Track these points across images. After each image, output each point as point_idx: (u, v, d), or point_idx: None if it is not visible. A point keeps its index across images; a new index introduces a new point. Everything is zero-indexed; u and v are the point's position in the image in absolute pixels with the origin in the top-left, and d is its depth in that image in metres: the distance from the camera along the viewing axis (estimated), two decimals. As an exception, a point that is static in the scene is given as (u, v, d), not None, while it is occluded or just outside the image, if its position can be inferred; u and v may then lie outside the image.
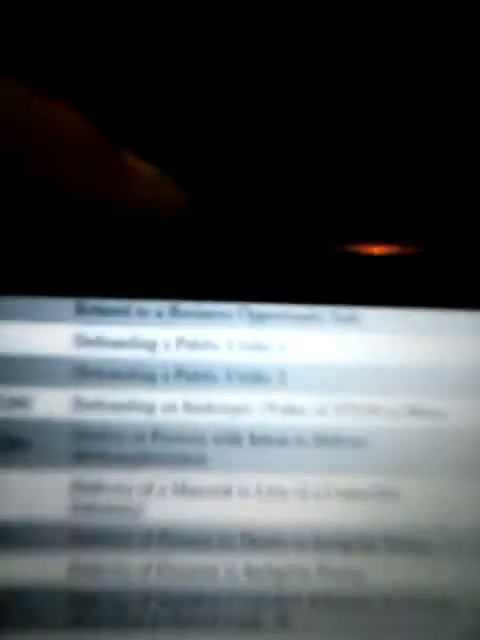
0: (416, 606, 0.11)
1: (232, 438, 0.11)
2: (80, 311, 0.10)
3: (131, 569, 0.11)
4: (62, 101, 0.10)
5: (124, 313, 0.10)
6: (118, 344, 0.10)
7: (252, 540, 0.11)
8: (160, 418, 0.11)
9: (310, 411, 0.11)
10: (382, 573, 0.11)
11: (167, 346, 0.11)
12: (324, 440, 0.11)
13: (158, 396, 0.11)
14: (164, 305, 0.10)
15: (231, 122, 0.13)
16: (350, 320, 0.11)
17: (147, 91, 0.13)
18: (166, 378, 0.11)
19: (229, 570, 0.11)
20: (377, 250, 0.11)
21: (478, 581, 0.11)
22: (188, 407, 0.11)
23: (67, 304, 0.10)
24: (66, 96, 0.10)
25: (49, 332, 0.10)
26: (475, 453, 0.11)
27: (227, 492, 0.11)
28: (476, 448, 0.11)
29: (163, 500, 0.11)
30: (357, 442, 0.11)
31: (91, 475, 0.11)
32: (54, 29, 0.13)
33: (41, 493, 0.11)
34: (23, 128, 0.09)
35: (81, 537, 0.11)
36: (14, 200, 0.09)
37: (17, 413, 0.11)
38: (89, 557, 0.11)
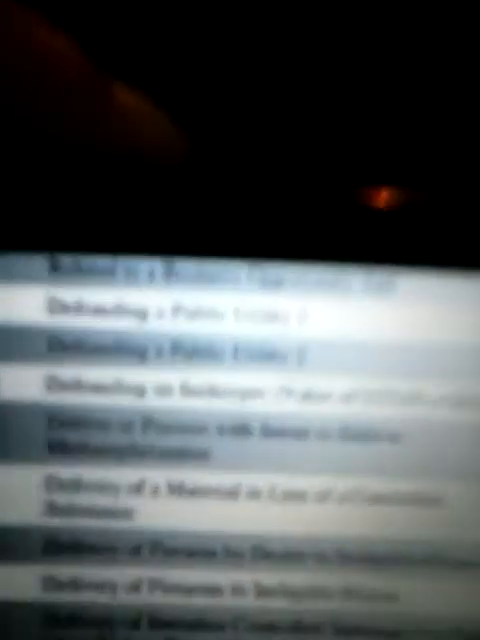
0: (455, 635, 0.09)
1: (240, 429, 0.09)
2: (55, 269, 0.09)
3: (116, 585, 0.09)
4: (45, 22, 0.08)
5: (109, 273, 0.09)
6: (101, 311, 0.09)
7: (264, 554, 0.09)
8: (152, 403, 0.09)
9: (335, 398, 0.09)
10: (421, 597, 0.09)
11: (161, 314, 0.09)
12: (352, 434, 0.09)
13: (150, 376, 0.09)
14: (157, 264, 0.09)
15: (237, 52, 0.11)
16: (385, 287, 0.09)
17: (143, 18, 0.11)
18: (159, 354, 0.09)
19: (236, 589, 0.09)
20: (418, 199, 0.09)
21: None
22: (186, 390, 0.09)
23: (39, 261, 0.09)
24: (51, 19, 0.09)
25: (17, 295, 0.09)
26: None
27: (233, 494, 0.09)
28: None
29: (156, 502, 0.09)
30: (392, 437, 0.09)
31: (68, 470, 0.09)
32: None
33: (9, 491, 0.09)
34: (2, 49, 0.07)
35: (57, 545, 0.09)
36: None
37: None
38: (67, 569, 0.09)
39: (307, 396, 0.09)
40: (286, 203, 0.08)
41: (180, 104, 0.09)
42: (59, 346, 0.09)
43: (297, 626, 0.09)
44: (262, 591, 0.09)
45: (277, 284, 0.09)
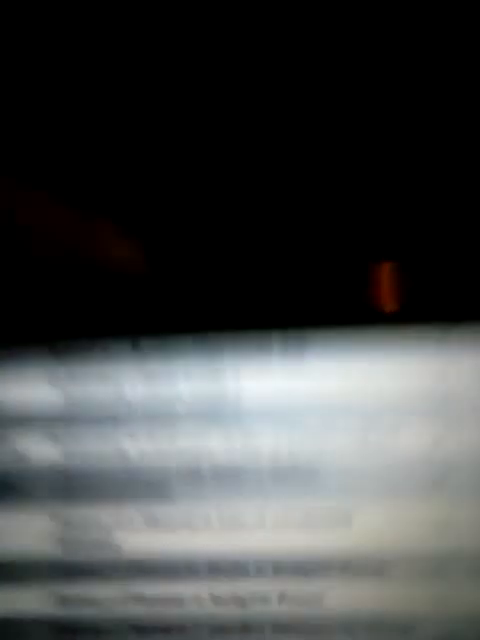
0: (375, 631, 0.12)
1: (195, 472, 0.12)
2: (55, 355, 0.12)
3: (107, 600, 0.12)
4: (45, 192, 0.12)
5: (91, 353, 0.12)
6: (90, 383, 0.12)
7: (216, 569, 0.12)
8: (129, 453, 0.12)
9: (266, 445, 0.12)
10: (342, 598, 0.12)
11: (132, 383, 0.12)
12: (280, 471, 0.12)
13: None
14: (125, 343, 0.12)
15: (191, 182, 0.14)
16: (298, 350, 0.12)
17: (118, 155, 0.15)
18: (132, 415, 0.12)
19: (196, 598, 0.12)
20: (321, 272, 0.12)
21: (436, 604, 0.12)
22: (154, 442, 0.12)
23: (41, 349, 0.12)
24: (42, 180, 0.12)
25: (23, 375, 0.12)
26: (425, 473, 0.12)
27: (192, 524, 0.12)
28: (427, 469, 0.12)
29: (135, 533, 0.12)
30: (309, 471, 0.12)
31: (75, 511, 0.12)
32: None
33: (29, 530, 0.12)
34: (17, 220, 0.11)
35: (67, 570, 0.12)
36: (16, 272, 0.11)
37: (12, 463, 0.12)
38: (74, 589, 0.12)
39: (245, 443, 0.12)
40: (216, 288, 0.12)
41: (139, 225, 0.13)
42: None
43: (244, 626, 0.12)
44: (216, 599, 0.12)
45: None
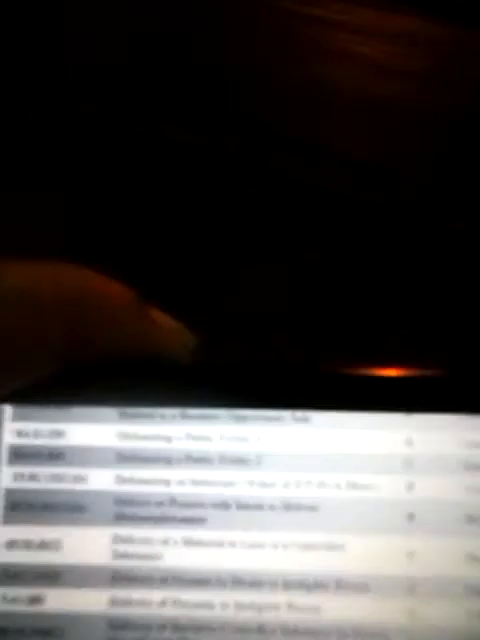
0: (360, 636, 0.15)
1: (224, 505, 0.16)
2: (122, 416, 0.16)
3: (152, 602, 0.15)
4: (106, 275, 0.16)
5: (150, 417, 0.16)
6: (148, 438, 0.16)
7: (239, 582, 0.15)
8: (174, 490, 0.16)
9: (279, 486, 0.16)
10: (340, 610, 0.15)
11: (179, 439, 0.16)
12: (289, 506, 0.16)
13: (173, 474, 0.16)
14: (176, 411, 0.16)
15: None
16: (304, 420, 0.16)
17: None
18: (178, 461, 0.16)
19: (223, 604, 0.15)
20: (323, 369, 0.16)
21: (408, 618, 0.15)
22: (194, 482, 0.16)
23: (112, 411, 0.16)
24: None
25: (97, 429, 0.16)
26: (397, 515, 0.15)
27: (221, 545, 0.15)
28: (399, 511, 0.15)
29: (176, 550, 0.16)
30: (311, 507, 0.16)
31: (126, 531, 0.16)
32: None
33: (90, 544, 0.16)
34: (83, 304, 0.15)
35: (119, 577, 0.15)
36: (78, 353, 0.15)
37: (77, 486, 0.16)
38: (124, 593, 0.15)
39: (262, 485, 0.16)
40: (247, 376, 0.16)
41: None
42: (124, 458, 0.16)
43: (260, 628, 0.15)
44: (238, 606, 0.15)
45: (243, 420, 0.16)
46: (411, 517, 0.15)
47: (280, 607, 0.15)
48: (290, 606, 0.15)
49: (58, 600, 0.16)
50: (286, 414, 0.16)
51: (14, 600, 0.16)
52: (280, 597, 0.15)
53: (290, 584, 0.15)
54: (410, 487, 0.15)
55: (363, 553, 0.15)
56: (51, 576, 0.16)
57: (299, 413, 0.16)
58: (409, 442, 0.16)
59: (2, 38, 0.35)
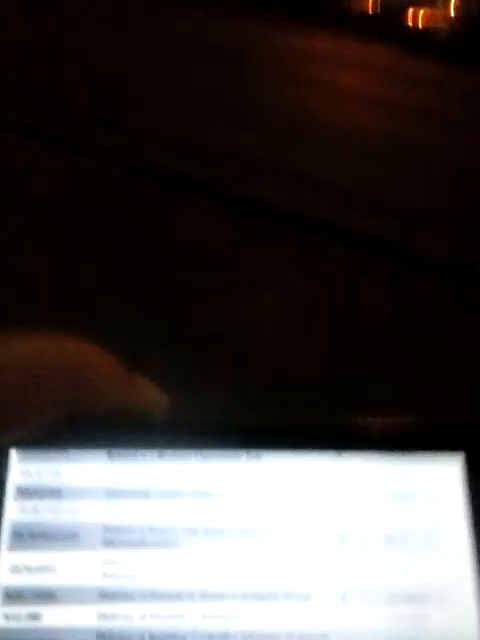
0: (305, 637, 0.19)
1: (192, 531, 0.19)
2: (110, 457, 0.19)
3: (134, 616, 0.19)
4: (97, 346, 0.20)
5: (133, 458, 0.19)
6: (130, 475, 0.19)
7: (205, 595, 0.19)
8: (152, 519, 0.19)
9: (237, 514, 0.19)
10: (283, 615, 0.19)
11: (156, 476, 0.19)
12: (245, 532, 0.19)
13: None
14: (154, 453, 0.19)
15: None
16: (257, 458, 0.19)
17: None
18: (155, 494, 0.19)
19: (192, 615, 0.19)
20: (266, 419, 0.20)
21: (343, 622, 0.19)
22: (168, 512, 0.19)
23: (101, 453, 0.19)
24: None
25: (89, 469, 0.19)
26: (332, 537, 0.19)
27: (190, 565, 0.19)
28: (332, 534, 0.19)
29: (153, 570, 0.19)
30: (264, 532, 0.19)
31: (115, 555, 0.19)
32: None
33: (82, 566, 0.19)
34: (82, 369, 0.19)
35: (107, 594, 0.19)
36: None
37: (72, 517, 0.19)
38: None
39: (223, 513, 0.19)
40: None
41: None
42: (113, 493, 0.19)
43: (225, 635, 0.19)
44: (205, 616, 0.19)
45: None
46: (343, 538, 0.19)
47: (240, 616, 0.19)
48: (248, 614, 0.19)
49: (54, 616, 0.19)
50: (242, 453, 0.19)
51: (16, 617, 0.19)
52: (240, 607, 0.19)
53: (247, 596, 0.19)
54: (341, 512, 0.19)
55: (305, 568, 0.19)
56: (48, 595, 0.19)
57: (252, 452, 0.20)
58: (339, 485, 0.19)
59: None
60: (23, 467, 0.20)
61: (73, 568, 0.19)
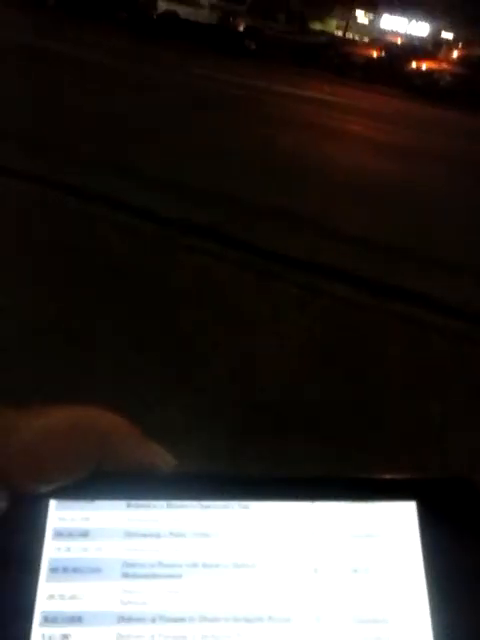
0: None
1: (194, 565, 0.23)
2: (128, 506, 0.24)
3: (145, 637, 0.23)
4: (113, 413, 0.25)
5: (146, 507, 0.24)
6: (145, 520, 0.24)
7: (204, 619, 0.23)
8: (162, 555, 0.24)
9: (230, 551, 0.24)
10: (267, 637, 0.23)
11: (165, 521, 0.24)
12: (237, 565, 0.23)
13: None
14: (164, 503, 0.24)
15: None
16: (245, 507, 0.24)
17: None
18: (165, 535, 0.24)
19: (193, 636, 0.23)
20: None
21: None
22: (174, 549, 0.24)
23: (121, 503, 0.24)
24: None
25: (111, 515, 0.24)
26: (307, 568, 0.23)
27: (193, 593, 0.23)
28: (308, 566, 0.23)
29: (162, 597, 0.23)
30: (252, 566, 0.23)
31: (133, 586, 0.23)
32: None
33: (103, 595, 0.23)
34: (108, 434, 0.24)
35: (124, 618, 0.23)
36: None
37: (97, 554, 0.24)
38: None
39: (219, 550, 0.23)
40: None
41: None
42: (130, 534, 0.24)
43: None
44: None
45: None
46: (316, 570, 0.23)
47: (232, 636, 0.23)
48: (239, 634, 0.23)
49: (80, 637, 0.23)
50: (234, 502, 0.24)
51: (50, 637, 0.23)
52: (232, 628, 0.23)
53: (239, 619, 0.23)
54: (315, 549, 0.24)
55: (286, 595, 0.23)
56: (76, 619, 0.23)
57: (242, 501, 0.24)
58: (313, 528, 0.24)
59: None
60: (59, 514, 0.24)
61: (97, 596, 0.23)
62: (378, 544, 0.24)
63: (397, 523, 0.24)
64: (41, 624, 0.23)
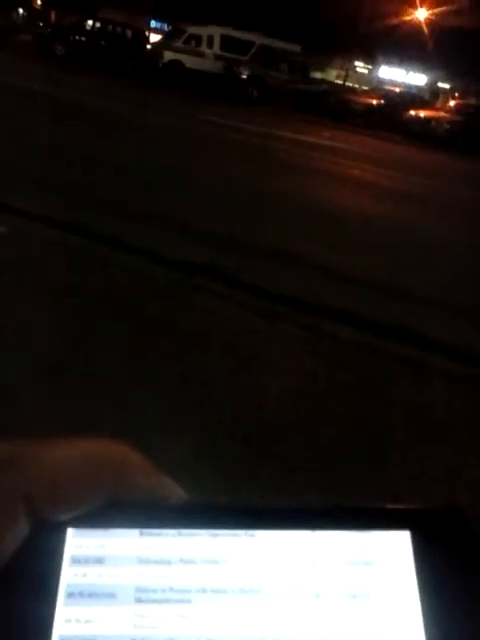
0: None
1: (203, 590, 0.25)
2: (141, 534, 0.26)
3: None
4: (127, 445, 0.27)
5: (158, 535, 0.25)
6: (156, 548, 0.25)
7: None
8: (173, 580, 0.25)
9: (237, 576, 0.25)
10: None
11: (176, 548, 0.25)
12: (244, 590, 0.25)
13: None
14: (175, 531, 0.26)
15: None
16: (251, 535, 0.26)
17: None
18: (176, 562, 0.25)
19: (202, 658, 0.24)
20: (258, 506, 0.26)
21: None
22: (184, 575, 0.25)
23: (135, 531, 0.26)
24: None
25: (125, 542, 0.25)
26: (308, 594, 0.25)
27: (202, 618, 0.25)
28: (309, 591, 0.25)
29: (173, 622, 0.25)
30: (258, 591, 0.25)
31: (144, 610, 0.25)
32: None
33: (117, 619, 0.25)
34: (122, 465, 0.26)
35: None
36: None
37: (111, 580, 0.25)
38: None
39: (227, 576, 0.25)
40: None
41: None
42: (143, 561, 0.25)
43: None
44: (213, 658, 0.24)
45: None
46: (318, 595, 0.25)
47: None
48: (242, 659, 0.24)
49: (96, 659, 0.25)
50: (240, 531, 0.26)
51: None
52: (237, 652, 0.24)
53: (243, 643, 0.24)
54: (316, 576, 0.25)
55: (289, 619, 0.25)
56: None
57: (248, 530, 0.26)
58: (315, 554, 0.26)
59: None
60: (76, 541, 0.26)
61: (111, 620, 0.25)
62: (376, 571, 0.25)
63: (393, 551, 0.26)
64: None
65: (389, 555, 0.26)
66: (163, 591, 0.25)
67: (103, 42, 17.90)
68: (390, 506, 0.26)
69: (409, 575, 0.25)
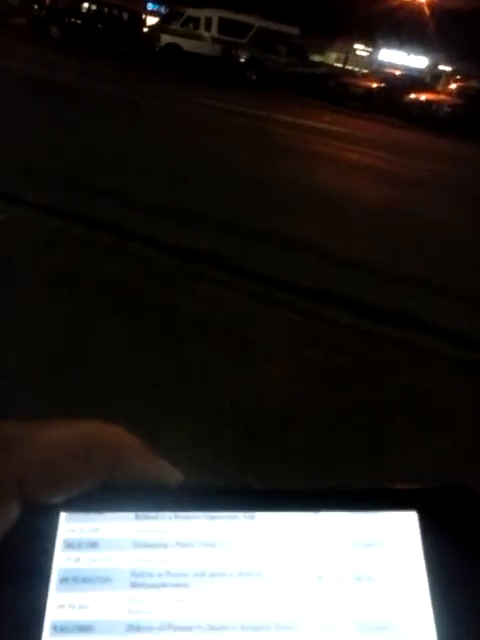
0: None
1: (201, 574, 0.24)
2: (137, 517, 0.25)
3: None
4: (122, 428, 0.25)
5: (154, 518, 0.24)
6: (152, 531, 0.24)
7: (212, 627, 0.23)
8: (169, 565, 0.24)
9: (236, 559, 0.24)
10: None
11: (172, 531, 0.24)
12: (242, 573, 0.24)
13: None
14: (171, 514, 0.25)
15: None
16: (251, 517, 0.25)
17: None
18: (172, 545, 0.24)
19: (200, 643, 0.23)
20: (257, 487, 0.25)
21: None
22: (182, 559, 0.24)
23: (130, 514, 0.25)
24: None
25: (120, 526, 0.25)
26: (310, 577, 0.24)
27: (199, 602, 0.24)
28: (312, 574, 0.24)
29: (170, 606, 0.24)
30: (257, 574, 0.24)
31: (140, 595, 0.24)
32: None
33: (112, 604, 0.24)
34: (117, 447, 0.25)
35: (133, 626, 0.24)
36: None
37: (106, 564, 0.24)
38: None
39: (225, 560, 0.24)
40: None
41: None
42: (139, 545, 0.24)
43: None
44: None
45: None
46: (320, 577, 0.24)
47: (235, 645, 0.23)
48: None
49: (90, 645, 0.24)
50: (239, 513, 0.25)
51: None
52: (239, 636, 0.23)
53: (245, 627, 0.23)
54: (319, 558, 0.24)
55: (291, 602, 0.24)
56: (85, 628, 0.24)
57: (247, 512, 0.25)
58: (316, 537, 0.25)
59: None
60: (69, 525, 0.25)
61: (106, 605, 0.24)
62: (381, 553, 0.24)
63: (399, 532, 0.25)
64: (51, 633, 0.23)
65: (395, 536, 0.25)
66: (159, 575, 0.24)
67: (99, 25, 17.68)
68: (396, 486, 0.25)
69: (416, 556, 0.24)
